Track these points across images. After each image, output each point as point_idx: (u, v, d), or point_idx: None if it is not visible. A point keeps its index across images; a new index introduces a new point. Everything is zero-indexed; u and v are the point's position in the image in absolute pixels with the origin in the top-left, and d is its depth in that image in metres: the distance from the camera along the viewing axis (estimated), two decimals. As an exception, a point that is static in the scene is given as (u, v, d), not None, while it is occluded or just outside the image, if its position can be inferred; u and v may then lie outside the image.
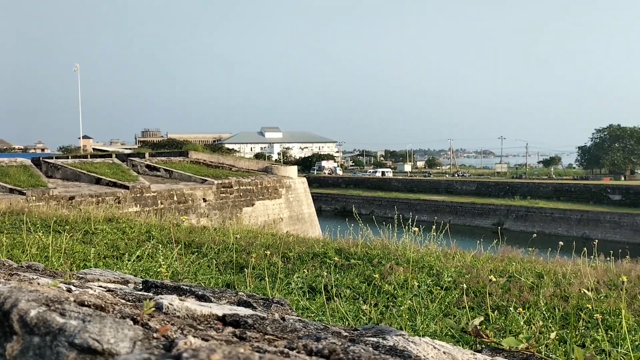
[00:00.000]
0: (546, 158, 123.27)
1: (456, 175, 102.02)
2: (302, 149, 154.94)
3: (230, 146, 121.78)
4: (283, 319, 2.19)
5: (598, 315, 3.98)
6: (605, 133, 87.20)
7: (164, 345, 1.55)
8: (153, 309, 1.85)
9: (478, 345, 2.88)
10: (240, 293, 3.32)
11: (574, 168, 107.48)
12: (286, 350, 1.52)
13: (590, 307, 5.14)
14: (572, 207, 61.87)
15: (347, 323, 4.78)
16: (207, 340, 1.59)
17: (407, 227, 10.48)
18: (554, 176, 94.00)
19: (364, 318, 4.88)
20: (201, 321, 1.95)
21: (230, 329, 1.81)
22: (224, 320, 1.95)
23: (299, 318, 2.53)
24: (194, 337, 1.62)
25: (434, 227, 10.38)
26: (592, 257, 8.49)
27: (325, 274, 7.32)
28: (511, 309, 5.54)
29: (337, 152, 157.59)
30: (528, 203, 65.03)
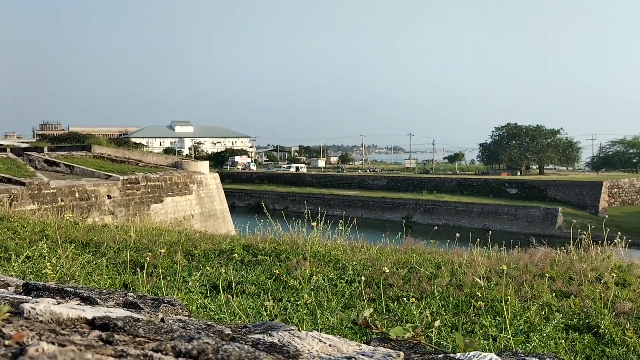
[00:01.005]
0: (451, 154, 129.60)
1: (368, 170, 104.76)
2: (215, 144, 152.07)
3: (137, 140, 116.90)
4: (163, 320, 2.08)
5: (481, 302, 4.20)
6: (504, 131, 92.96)
7: (13, 353, 1.41)
8: (9, 314, 1.69)
9: (369, 336, 2.94)
10: (129, 294, 3.15)
11: (476, 164, 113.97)
12: (151, 353, 1.44)
13: (481, 295, 5.42)
14: (474, 201, 65.48)
15: (247, 320, 4.72)
16: (64, 345, 1.46)
17: (316, 222, 10.58)
18: (458, 171, 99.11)
19: (266, 314, 4.84)
20: (67, 325, 1.81)
21: (97, 332, 1.69)
22: (93, 323, 1.82)
23: (185, 318, 2.44)
24: (50, 342, 1.49)
25: (341, 221, 10.54)
26: (485, 247, 8.98)
27: (231, 271, 7.20)
28: (409, 299, 5.73)
29: (251, 147, 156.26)
30: (434, 197, 68.02)
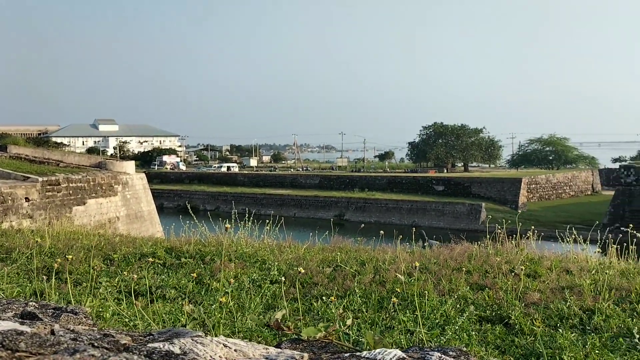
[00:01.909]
0: (382, 153, 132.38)
1: (300, 169, 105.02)
2: (142, 143, 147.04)
3: (58, 140, 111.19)
4: (53, 332, 1.96)
5: (395, 299, 4.28)
6: (431, 130, 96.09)
7: None
8: None
9: (281, 338, 2.91)
10: (31, 303, 2.96)
11: (405, 162, 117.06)
12: (25, 370, 1.34)
13: (401, 291, 5.54)
14: (403, 198, 67.17)
15: (160, 326, 4.57)
16: None
17: (244, 222, 10.45)
18: (388, 169, 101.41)
19: (183, 319, 4.70)
20: None
21: (-30, 350, 1.56)
22: (-33, 339, 1.68)
23: (85, 328, 2.32)
24: None
25: (268, 221, 10.46)
26: (409, 243, 9.22)
27: (151, 275, 6.98)
28: (332, 297, 5.77)
29: (180, 146, 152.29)
30: (366, 195, 69.20)
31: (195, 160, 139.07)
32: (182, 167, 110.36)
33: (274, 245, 9.46)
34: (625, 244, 8.34)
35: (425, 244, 9.96)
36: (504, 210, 62.78)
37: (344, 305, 5.44)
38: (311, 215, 66.37)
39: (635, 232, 7.81)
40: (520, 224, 8.97)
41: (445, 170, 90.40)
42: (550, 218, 58.10)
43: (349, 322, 3.39)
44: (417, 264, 4.45)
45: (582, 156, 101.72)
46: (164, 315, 4.90)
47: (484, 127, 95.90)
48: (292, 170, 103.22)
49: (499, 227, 8.79)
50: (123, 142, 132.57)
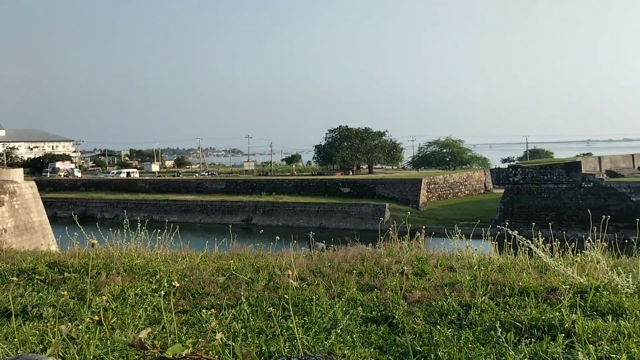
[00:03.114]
0: (289, 156, 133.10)
1: (206, 174, 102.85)
2: (32, 149, 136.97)
3: None
4: None
5: (272, 309, 4.25)
6: (336, 133, 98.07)
7: None
8: None
9: (145, 357, 2.78)
10: None
11: (312, 165, 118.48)
12: None
13: (288, 296, 5.53)
14: (311, 200, 67.87)
15: (19, 350, 4.23)
16: None
17: (136, 231, 9.99)
18: (295, 172, 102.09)
19: (55, 340, 4.38)
20: None
21: None
22: None
23: None
24: None
25: (159, 230, 10.07)
26: (305, 247, 9.28)
27: (28, 292, 6.47)
28: (224, 308, 5.65)
29: (75, 152, 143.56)
30: (274, 198, 69.15)
31: (92, 167, 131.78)
32: (77, 173, 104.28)
33: (168, 255, 9.13)
34: (509, 239, 8.80)
35: (312, 247, 10.06)
36: (406, 209, 65.29)
37: (233, 315, 5.35)
38: (218, 221, 65.15)
39: (513, 229, 8.38)
40: (410, 225, 9.32)
41: (351, 173, 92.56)
42: (448, 216, 61.19)
43: (218, 336, 3.31)
44: (294, 270, 4.45)
45: (476, 157, 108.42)
46: (31, 337, 4.54)
47: (386, 130, 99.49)
48: (197, 175, 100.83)
49: (391, 228, 9.08)
50: (10, 148, 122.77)
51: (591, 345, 4.08)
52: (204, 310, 5.16)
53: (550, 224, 9.57)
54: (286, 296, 5.57)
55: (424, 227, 10.20)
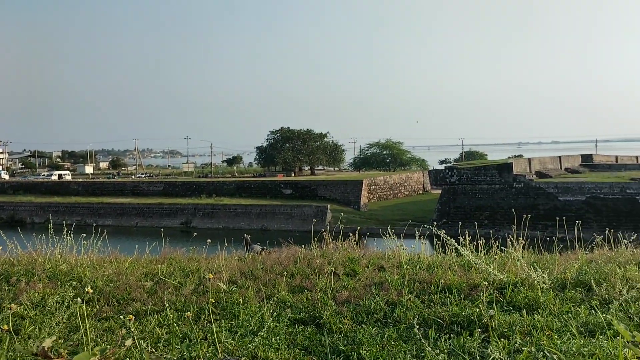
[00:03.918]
0: (230, 157, 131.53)
1: (143, 175, 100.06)
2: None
3: None
4: None
5: (214, 309, 4.18)
6: (278, 135, 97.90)
7: None
8: None
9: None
10: None
11: (254, 166, 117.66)
12: None
13: (221, 300, 5.46)
14: (252, 202, 67.33)
15: None
16: None
17: (61, 235, 9.57)
18: (236, 174, 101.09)
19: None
20: None
21: None
22: None
23: None
24: None
25: (83, 234, 9.68)
26: (240, 249, 9.18)
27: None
28: (150, 313, 5.51)
29: (2, 152, 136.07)
30: (214, 201, 68.12)
31: (21, 168, 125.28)
32: (5, 176, 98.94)
33: (95, 260, 8.79)
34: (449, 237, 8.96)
35: (248, 249, 10.00)
36: (348, 210, 66.01)
37: (157, 321, 5.22)
38: (155, 224, 63.39)
39: (450, 228, 8.62)
40: (342, 225, 9.42)
41: (293, 174, 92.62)
42: (388, 216, 62.25)
43: (128, 342, 3.22)
44: (210, 275, 4.40)
45: (415, 159, 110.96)
46: None
47: (327, 132, 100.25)
48: (133, 177, 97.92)
49: (323, 230, 9.15)
50: None
51: (505, 340, 4.26)
52: (130, 316, 5.00)
53: (484, 222, 9.93)
54: (212, 300, 5.50)
55: (358, 227, 10.33)
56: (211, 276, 5.39)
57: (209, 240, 8.25)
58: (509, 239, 7.41)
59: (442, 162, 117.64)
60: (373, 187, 76.67)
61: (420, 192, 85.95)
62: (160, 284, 6.88)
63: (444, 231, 7.51)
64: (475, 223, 10.77)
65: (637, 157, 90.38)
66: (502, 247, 7.61)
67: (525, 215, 8.71)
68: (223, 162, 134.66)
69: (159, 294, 6.37)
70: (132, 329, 4.48)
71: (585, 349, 3.93)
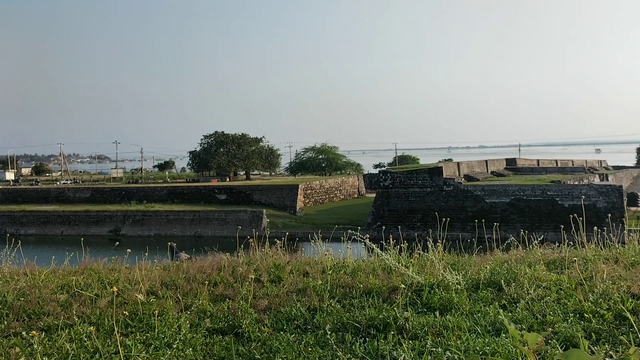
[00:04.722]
0: (161, 162, 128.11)
1: (69, 182, 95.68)
2: None
3: None
4: None
5: (130, 322, 4.06)
6: (212, 139, 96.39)
7: None
8: None
9: None
10: None
11: (187, 171, 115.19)
12: None
13: (138, 312, 5.31)
14: (185, 208, 65.81)
15: None
16: None
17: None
18: (169, 179, 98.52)
19: None
20: None
21: None
22: None
23: None
24: None
25: (8, 244, 9.17)
26: (157, 258, 8.96)
27: None
28: (62, 328, 5.27)
29: None
30: (144, 207, 66.04)
31: None
32: None
33: (8, 272, 8.32)
34: (381, 241, 9.09)
35: (174, 258, 9.79)
36: (284, 215, 65.93)
37: (69, 335, 5.00)
38: (82, 232, 60.67)
39: (385, 231, 8.81)
40: (278, 230, 9.41)
41: (228, 179, 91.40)
42: (324, 220, 62.66)
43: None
44: (118, 282, 4.28)
45: (350, 163, 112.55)
46: None
47: (263, 137, 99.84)
48: (58, 183, 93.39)
49: (249, 237, 9.09)
50: None
51: (417, 341, 4.40)
52: (33, 332, 4.76)
53: (416, 225, 10.21)
54: (125, 312, 5.33)
55: (286, 233, 10.36)
56: (115, 289, 5.21)
57: (129, 250, 8.01)
58: (429, 242, 7.66)
59: (376, 166, 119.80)
60: (309, 191, 76.98)
61: (356, 195, 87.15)
62: (76, 297, 6.60)
63: (367, 236, 7.67)
64: (408, 225, 11.05)
65: (556, 161, 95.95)
66: (427, 250, 7.86)
67: (445, 219, 9.02)
68: (154, 167, 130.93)
69: (74, 307, 6.11)
70: (36, 346, 4.27)
71: (489, 347, 4.13)
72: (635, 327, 4.62)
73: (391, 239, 8.46)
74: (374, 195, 68.54)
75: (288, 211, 68.51)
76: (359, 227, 9.63)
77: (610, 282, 5.98)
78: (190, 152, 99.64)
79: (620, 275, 6.40)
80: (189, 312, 5.59)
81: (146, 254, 8.11)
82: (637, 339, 4.42)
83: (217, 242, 12.03)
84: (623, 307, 5.07)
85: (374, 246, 7.34)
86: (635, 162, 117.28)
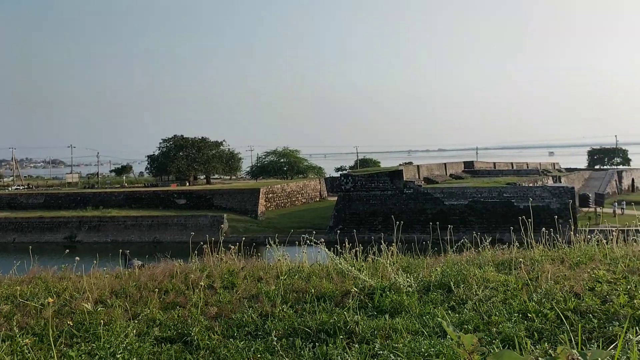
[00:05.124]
0: (119, 167, 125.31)
1: (21, 187, 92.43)
2: None
3: None
4: None
5: (75, 332, 3.94)
6: (171, 143, 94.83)
7: None
8: None
9: None
10: None
11: (145, 176, 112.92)
12: None
13: (71, 323, 5.17)
14: (143, 214, 64.52)
15: None
16: None
17: None
18: (126, 184, 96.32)
19: None
20: None
21: None
22: None
23: None
24: None
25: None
26: (108, 265, 8.74)
27: None
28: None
29: None
30: (101, 213, 64.48)
31: None
32: None
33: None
34: (343, 244, 9.03)
35: (127, 265, 9.59)
36: (245, 220, 65.39)
37: (10, 348, 4.82)
38: (36, 239, 58.74)
39: (346, 234, 8.83)
40: (230, 235, 9.32)
41: (188, 183, 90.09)
42: (286, 224, 62.45)
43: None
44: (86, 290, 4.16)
45: (312, 166, 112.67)
46: None
47: (223, 140, 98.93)
48: (9, 189, 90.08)
49: (203, 242, 8.98)
50: None
51: (366, 345, 4.43)
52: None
53: (378, 227, 10.28)
54: (70, 322, 5.18)
55: (243, 237, 10.28)
56: (50, 300, 5.06)
57: (77, 258, 7.79)
58: (382, 245, 7.73)
59: (338, 170, 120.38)
60: (270, 195, 76.62)
61: (317, 199, 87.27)
62: (20, 307, 6.38)
63: (333, 238, 7.69)
64: (370, 228, 11.14)
65: (512, 164, 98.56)
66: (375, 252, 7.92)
67: (399, 222, 9.13)
68: (111, 171, 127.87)
69: (17, 317, 5.90)
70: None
71: (434, 349, 4.20)
72: (576, 326, 4.78)
73: (347, 242, 8.50)
74: (335, 198, 68.77)
75: (249, 215, 67.99)
76: (314, 232, 9.62)
77: (553, 282, 6.17)
78: (148, 156, 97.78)
79: (565, 275, 6.61)
80: (137, 321, 5.47)
81: (95, 262, 7.90)
82: (577, 338, 4.58)
83: (176, 248, 11.85)
84: (565, 307, 5.24)
85: (326, 250, 7.37)
86: (587, 164, 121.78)
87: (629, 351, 3.28)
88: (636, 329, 4.11)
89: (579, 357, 2.49)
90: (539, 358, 2.85)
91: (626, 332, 3.98)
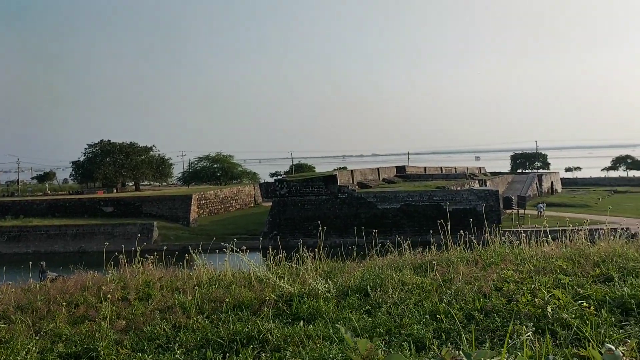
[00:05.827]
0: (41, 174, 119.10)
1: None
2: None
3: None
4: None
5: None
6: (97, 148, 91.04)
7: None
8: None
9: None
10: None
11: (70, 183, 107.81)
12: None
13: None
14: (67, 223, 61.61)
15: None
16: None
17: None
18: (49, 192, 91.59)
19: None
20: None
21: None
22: None
23: None
24: None
25: None
26: (19, 277, 8.27)
27: None
28: None
29: None
30: (21, 222, 61.00)
31: None
32: None
33: None
34: (277, 249, 8.87)
35: (42, 277, 9.12)
36: (176, 227, 63.77)
37: None
38: (-53, 252, 54.89)
39: (281, 239, 8.74)
40: (154, 245, 9.03)
41: (115, 190, 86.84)
42: (220, 231, 61.43)
43: None
44: None
45: (246, 172, 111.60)
46: None
47: (153, 145, 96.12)
48: None
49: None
50: None
51: (277, 352, 4.40)
52: None
53: (312, 232, 10.27)
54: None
55: (165, 247, 10.00)
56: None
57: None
58: (302, 251, 7.74)
59: (273, 175, 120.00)
60: (203, 201, 75.21)
61: (252, 205, 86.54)
62: None
63: (268, 243, 7.60)
64: (305, 233, 11.12)
65: (441, 168, 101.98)
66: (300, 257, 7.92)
67: (325, 227, 9.19)
68: (33, 179, 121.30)
69: None
70: None
71: (341, 354, 4.24)
72: (482, 325, 4.98)
73: (281, 248, 8.43)
74: (270, 204, 68.46)
75: (181, 222, 66.41)
76: (249, 238, 9.48)
77: (465, 282, 6.40)
78: (73, 162, 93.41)
79: (477, 276, 6.87)
80: (40, 337, 5.18)
81: (2, 273, 7.43)
82: (482, 337, 4.76)
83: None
84: (473, 307, 5.44)
85: (246, 258, 7.29)
86: (510, 168, 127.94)
87: (518, 351, 3.44)
88: (527, 326, 4.32)
89: (463, 358, 2.59)
90: (432, 359, 2.93)
91: (515, 330, 4.16)
